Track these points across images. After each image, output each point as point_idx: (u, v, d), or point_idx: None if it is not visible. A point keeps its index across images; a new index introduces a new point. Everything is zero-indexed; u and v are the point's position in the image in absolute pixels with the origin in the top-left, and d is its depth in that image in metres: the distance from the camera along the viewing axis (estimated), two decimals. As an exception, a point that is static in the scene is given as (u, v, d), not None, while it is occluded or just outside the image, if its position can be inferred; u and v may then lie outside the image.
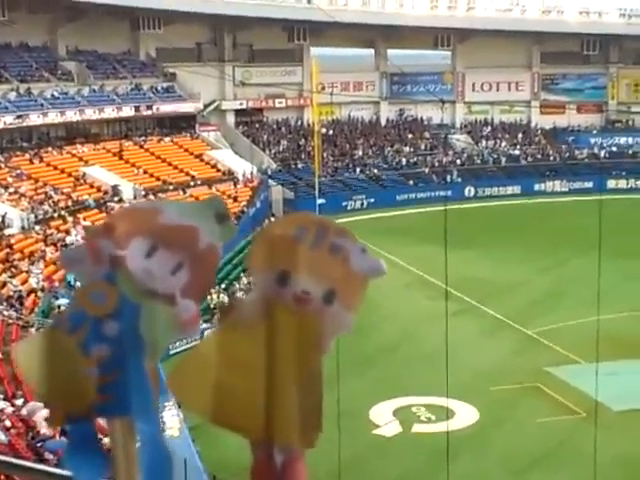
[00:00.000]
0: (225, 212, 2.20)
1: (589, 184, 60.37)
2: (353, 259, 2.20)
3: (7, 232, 36.98)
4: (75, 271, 2.24)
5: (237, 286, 36.09)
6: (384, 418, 25.71)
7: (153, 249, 2.17)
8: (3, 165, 44.96)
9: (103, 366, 2.16)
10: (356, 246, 2.21)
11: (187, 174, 51.68)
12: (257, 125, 63.47)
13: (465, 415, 25.39)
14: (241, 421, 2.20)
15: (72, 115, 50.59)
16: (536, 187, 62.02)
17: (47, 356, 2.18)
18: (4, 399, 21.15)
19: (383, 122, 67.64)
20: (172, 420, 20.01)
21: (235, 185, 51.49)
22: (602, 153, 66.20)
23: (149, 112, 55.11)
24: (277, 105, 63.68)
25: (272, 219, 49.51)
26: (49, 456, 17.62)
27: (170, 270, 2.17)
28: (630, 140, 67.58)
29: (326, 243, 2.20)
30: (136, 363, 2.16)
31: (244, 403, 2.19)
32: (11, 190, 41.99)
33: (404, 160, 62.80)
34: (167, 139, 55.44)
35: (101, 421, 2.27)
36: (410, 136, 66.11)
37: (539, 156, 65.82)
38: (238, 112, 62.81)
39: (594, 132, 68.87)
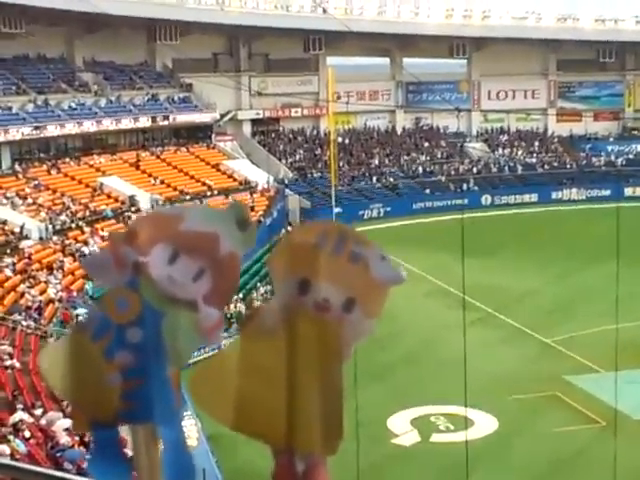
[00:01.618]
0: (246, 219, 2.21)
1: (606, 192, 60.12)
2: (373, 267, 2.20)
3: (25, 242, 37.19)
4: (99, 277, 2.26)
5: (254, 295, 36.14)
6: (402, 427, 25.62)
7: (175, 256, 2.18)
8: (21, 176, 45.26)
9: (126, 372, 2.17)
10: (376, 254, 2.22)
11: (204, 184, 51.83)
12: (273, 135, 63.62)
13: (484, 424, 25.25)
14: (263, 428, 2.20)
15: (89, 126, 50.88)
16: (553, 195, 61.79)
17: (71, 363, 2.19)
18: (23, 409, 21.23)
19: (399, 131, 67.66)
20: (190, 430, 20.01)
21: (252, 195, 51.59)
22: (619, 161, 65.91)
23: (166, 122, 55.36)
24: (293, 114, 63.82)
25: (289, 228, 49.63)
26: (68, 466, 17.65)
27: (192, 277, 2.17)
28: (647, 147, 67.31)
29: (346, 251, 2.20)
30: (159, 370, 2.17)
31: (265, 410, 2.19)
32: (29, 201, 42.25)
33: (420, 169, 62.78)
34: (184, 149, 55.66)
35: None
36: (426, 144, 66.08)
37: (556, 164, 65.60)
38: (254, 122, 62.99)
39: (611, 140, 68.61)
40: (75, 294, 33.90)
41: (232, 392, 2.19)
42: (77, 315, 31.30)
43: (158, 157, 53.83)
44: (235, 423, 2.21)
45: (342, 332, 2.19)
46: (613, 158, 66.17)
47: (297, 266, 2.20)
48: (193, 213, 2.22)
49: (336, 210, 54.04)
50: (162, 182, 50.49)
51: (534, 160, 65.79)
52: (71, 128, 49.92)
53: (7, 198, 41.51)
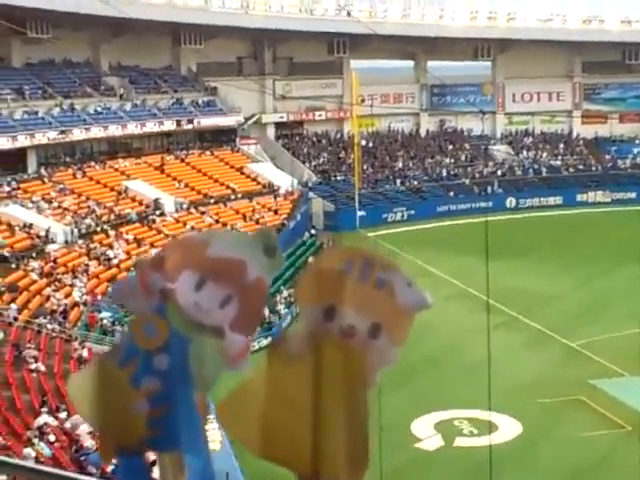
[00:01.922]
0: (274, 245, 2.21)
1: (632, 194, 59.62)
2: (399, 293, 2.20)
3: (51, 246, 37.47)
4: (126, 304, 2.27)
5: (277, 298, 36.16)
6: (426, 431, 25.55)
7: (202, 282, 2.18)
8: (47, 180, 45.58)
9: (153, 400, 2.18)
10: (402, 279, 2.22)
11: (228, 187, 51.97)
12: (297, 138, 63.64)
13: (508, 429, 25.13)
14: (289, 455, 2.21)
15: (114, 130, 51.17)
16: (578, 198, 61.29)
17: (98, 390, 2.21)
18: (48, 413, 21.38)
19: (423, 133, 67.46)
20: (213, 434, 20.04)
21: (276, 198, 51.66)
22: (645, 163, 65.35)
23: (190, 126, 55.56)
24: (317, 118, 63.82)
25: (312, 231, 49.70)
26: (92, 469, 17.76)
27: (219, 303, 2.18)
28: (674, 149, 66.65)
29: (372, 277, 2.21)
30: (185, 396, 2.18)
31: (291, 437, 2.20)
32: (55, 205, 42.57)
33: (444, 171, 62.55)
34: (208, 153, 55.82)
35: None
36: (450, 147, 65.84)
37: (581, 167, 65.12)
38: (278, 125, 63.06)
39: (637, 142, 67.98)
40: (100, 297, 34.11)
41: (259, 419, 2.20)
42: (102, 319, 31.52)
43: (182, 160, 54.04)
44: (262, 450, 2.22)
45: (367, 358, 2.20)
46: (639, 160, 65.57)
47: (323, 292, 2.21)
48: (220, 238, 2.23)
49: (360, 213, 54.03)
50: (186, 185, 50.69)
51: (559, 162, 65.34)
52: (96, 132, 50.22)
53: (33, 202, 41.85)
